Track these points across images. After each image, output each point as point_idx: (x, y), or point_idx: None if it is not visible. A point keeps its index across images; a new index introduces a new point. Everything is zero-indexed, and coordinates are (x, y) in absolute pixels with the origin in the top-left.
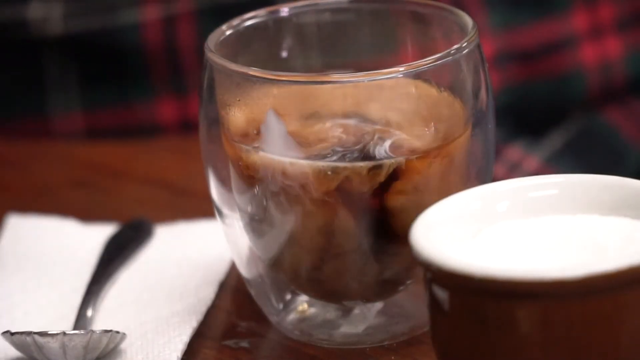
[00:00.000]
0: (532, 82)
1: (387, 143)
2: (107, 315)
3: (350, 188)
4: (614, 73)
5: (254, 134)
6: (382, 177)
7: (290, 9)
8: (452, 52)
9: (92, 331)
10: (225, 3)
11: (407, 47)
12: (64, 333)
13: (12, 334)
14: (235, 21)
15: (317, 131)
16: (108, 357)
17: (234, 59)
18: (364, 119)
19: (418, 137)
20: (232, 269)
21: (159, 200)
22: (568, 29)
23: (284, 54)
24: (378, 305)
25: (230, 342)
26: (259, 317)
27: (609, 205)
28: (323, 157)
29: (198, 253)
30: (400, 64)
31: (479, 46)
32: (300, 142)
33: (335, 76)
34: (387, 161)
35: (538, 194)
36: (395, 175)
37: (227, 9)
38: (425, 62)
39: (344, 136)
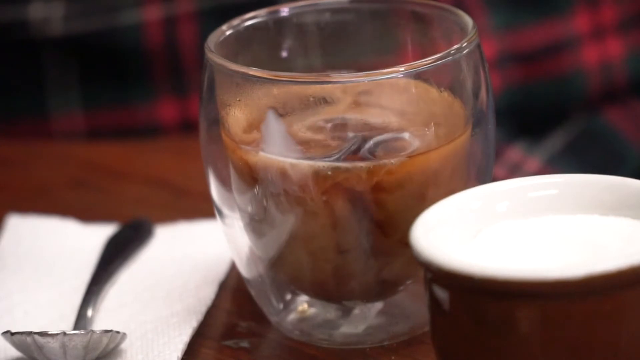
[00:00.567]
0: (533, 82)
1: (387, 143)
2: (107, 315)
3: (350, 188)
4: (615, 74)
5: (254, 134)
6: (382, 177)
7: (291, 9)
8: (452, 52)
9: (92, 331)
10: (225, 3)
11: (407, 47)
12: (64, 333)
13: (12, 334)
14: (235, 21)
15: (317, 131)
16: (108, 357)
17: (234, 59)
18: (364, 119)
19: (418, 137)
20: (232, 269)
21: (159, 200)
22: (569, 30)
23: (284, 54)
24: (378, 305)
25: (230, 342)
26: (259, 317)
27: (609, 205)
28: (323, 157)
29: (198, 253)
30: (400, 64)
31: (479, 46)
32: (300, 142)
33: (335, 76)
34: (387, 161)
35: (538, 194)
36: (395, 175)
37: (227, 9)
38: (425, 62)
39: (343, 136)
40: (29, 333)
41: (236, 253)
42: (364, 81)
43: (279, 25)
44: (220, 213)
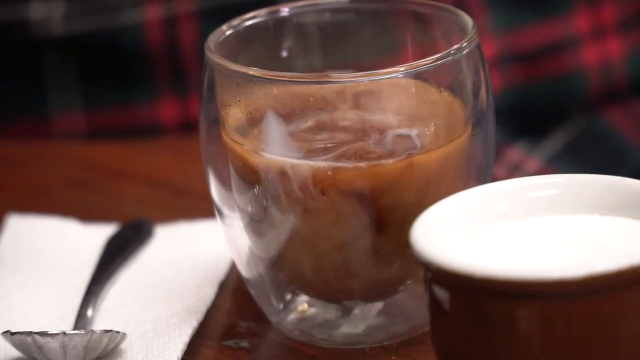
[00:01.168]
0: (533, 83)
1: (387, 143)
2: (107, 315)
3: (350, 188)
4: (615, 74)
5: (254, 134)
6: (382, 177)
7: (291, 9)
8: (452, 52)
9: (92, 331)
10: (226, 3)
11: (407, 47)
12: (64, 333)
13: (12, 334)
14: (235, 21)
15: (317, 131)
16: (108, 357)
17: (234, 59)
18: (364, 119)
19: (418, 137)
20: (232, 269)
21: (159, 200)
22: (570, 30)
23: (284, 54)
24: (378, 305)
25: (230, 342)
26: (259, 317)
27: (609, 205)
28: (323, 157)
29: (198, 253)
30: (400, 64)
31: (479, 46)
32: (300, 142)
33: (335, 76)
34: (386, 161)
35: (538, 194)
36: (395, 175)
37: (227, 9)
38: (425, 62)
39: (343, 136)
40: (29, 333)
41: (236, 253)
42: (364, 81)
43: (279, 25)
44: (220, 213)
